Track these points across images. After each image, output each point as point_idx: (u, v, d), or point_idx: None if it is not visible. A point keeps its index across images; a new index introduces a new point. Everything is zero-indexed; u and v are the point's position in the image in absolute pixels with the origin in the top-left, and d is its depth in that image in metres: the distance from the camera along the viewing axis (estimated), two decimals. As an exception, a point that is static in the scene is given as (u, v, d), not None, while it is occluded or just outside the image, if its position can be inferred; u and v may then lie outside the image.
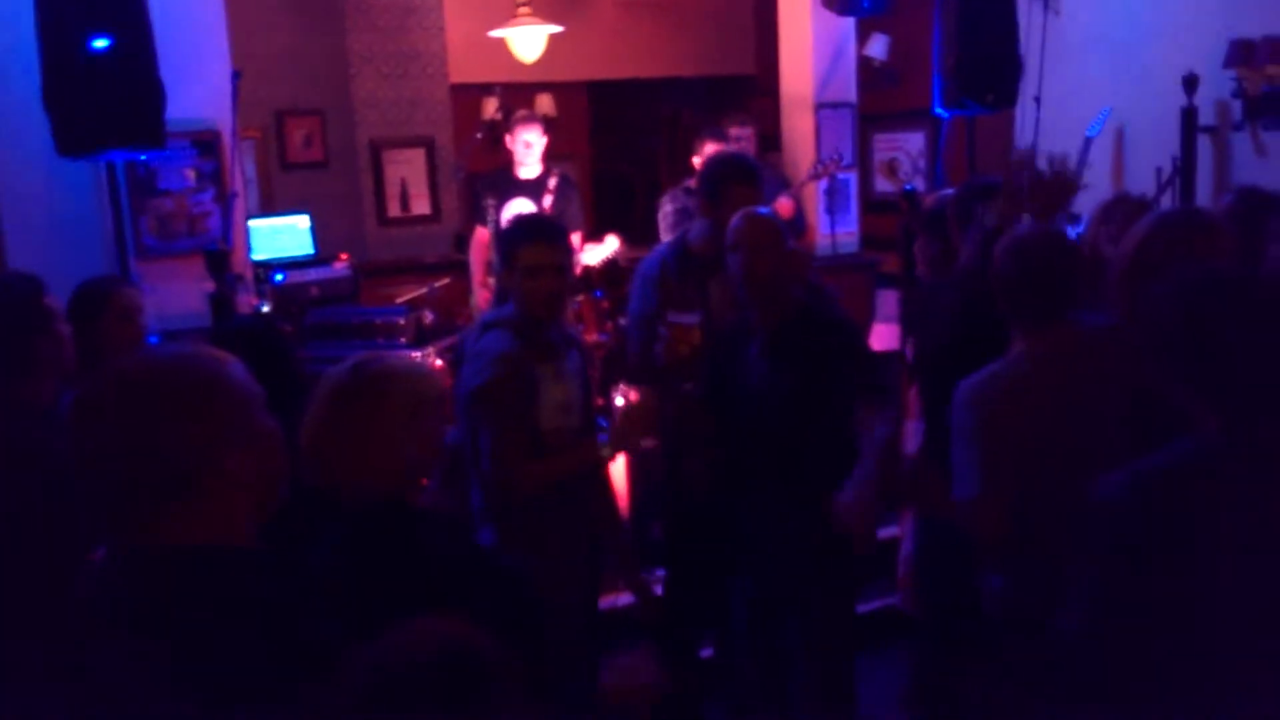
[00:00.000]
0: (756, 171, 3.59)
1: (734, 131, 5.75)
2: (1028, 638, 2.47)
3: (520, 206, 5.46)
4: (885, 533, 4.31)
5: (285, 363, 2.94)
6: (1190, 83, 5.25)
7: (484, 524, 2.95)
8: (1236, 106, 5.39)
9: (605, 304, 5.26)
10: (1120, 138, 6.00)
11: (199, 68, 4.61)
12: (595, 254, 5.51)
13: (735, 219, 3.06)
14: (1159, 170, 5.54)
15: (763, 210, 3.15)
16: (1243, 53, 5.32)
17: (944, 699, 3.08)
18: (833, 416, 2.97)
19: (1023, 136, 6.20)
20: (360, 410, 1.93)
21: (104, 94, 3.85)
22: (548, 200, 5.48)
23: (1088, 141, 5.83)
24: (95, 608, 1.47)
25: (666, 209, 5.33)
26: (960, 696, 2.99)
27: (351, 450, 1.92)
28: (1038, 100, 6.03)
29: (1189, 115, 5.28)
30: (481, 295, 5.45)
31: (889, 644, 3.63)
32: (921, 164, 7.16)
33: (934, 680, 3.15)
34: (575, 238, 5.44)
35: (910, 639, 3.38)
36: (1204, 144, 5.43)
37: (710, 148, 5.39)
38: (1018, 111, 6.04)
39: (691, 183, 5.41)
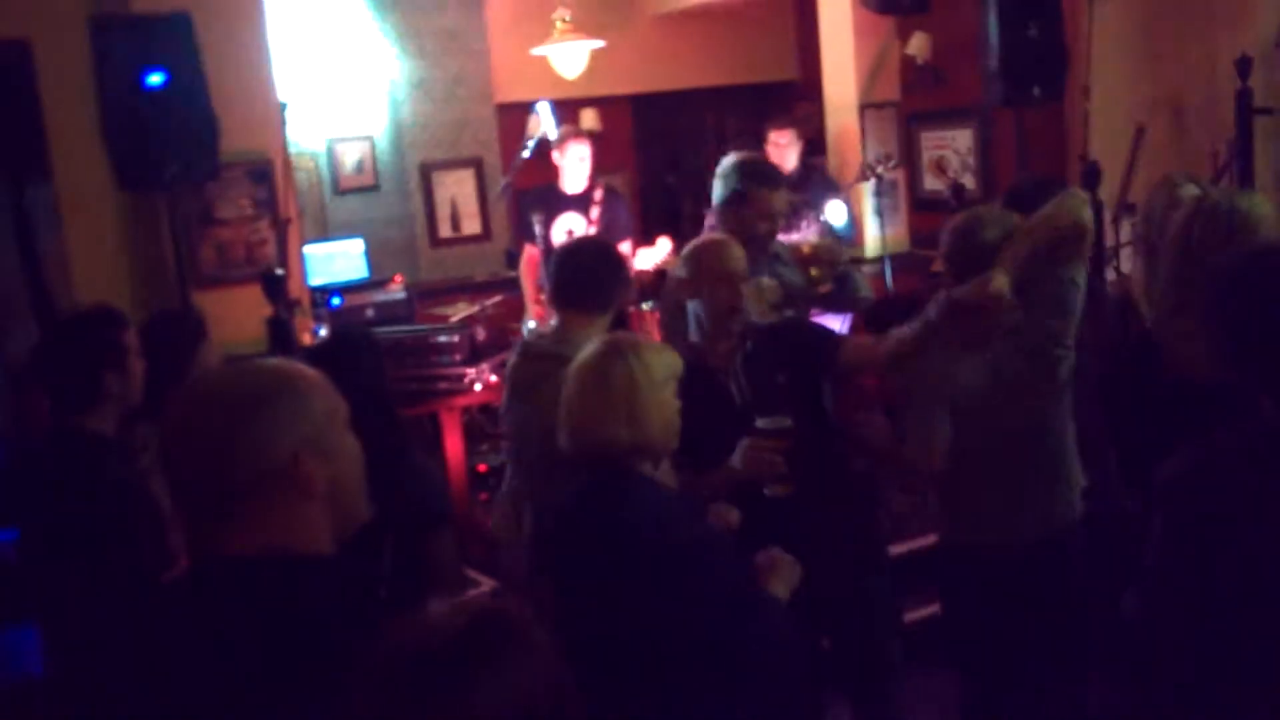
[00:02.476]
0: (779, 176, 3.61)
1: (774, 136, 5.76)
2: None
3: (569, 221, 5.49)
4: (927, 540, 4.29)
5: (380, 379, 2.97)
6: (1245, 64, 5.17)
7: None
8: (1293, 87, 5.30)
9: (658, 314, 5.26)
10: (1174, 122, 5.91)
11: (251, 100, 4.69)
12: (648, 258, 5.51)
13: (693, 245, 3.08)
14: (1215, 154, 5.46)
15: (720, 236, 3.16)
16: (1297, 31, 5.23)
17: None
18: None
19: (1073, 129, 6.14)
20: (615, 378, 2.14)
21: (160, 128, 3.96)
22: (595, 212, 5.50)
23: (1140, 131, 5.76)
24: (162, 619, 1.51)
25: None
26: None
27: (602, 413, 2.14)
28: (1087, 91, 5.97)
29: (1244, 98, 5.19)
30: (536, 312, 5.47)
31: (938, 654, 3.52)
32: (971, 161, 7.10)
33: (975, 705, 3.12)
34: (626, 245, 5.47)
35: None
36: (1260, 126, 5.33)
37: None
38: (1067, 104, 6.00)
39: None
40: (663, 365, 2.21)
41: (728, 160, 3.65)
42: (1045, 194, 3.06)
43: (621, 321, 3.36)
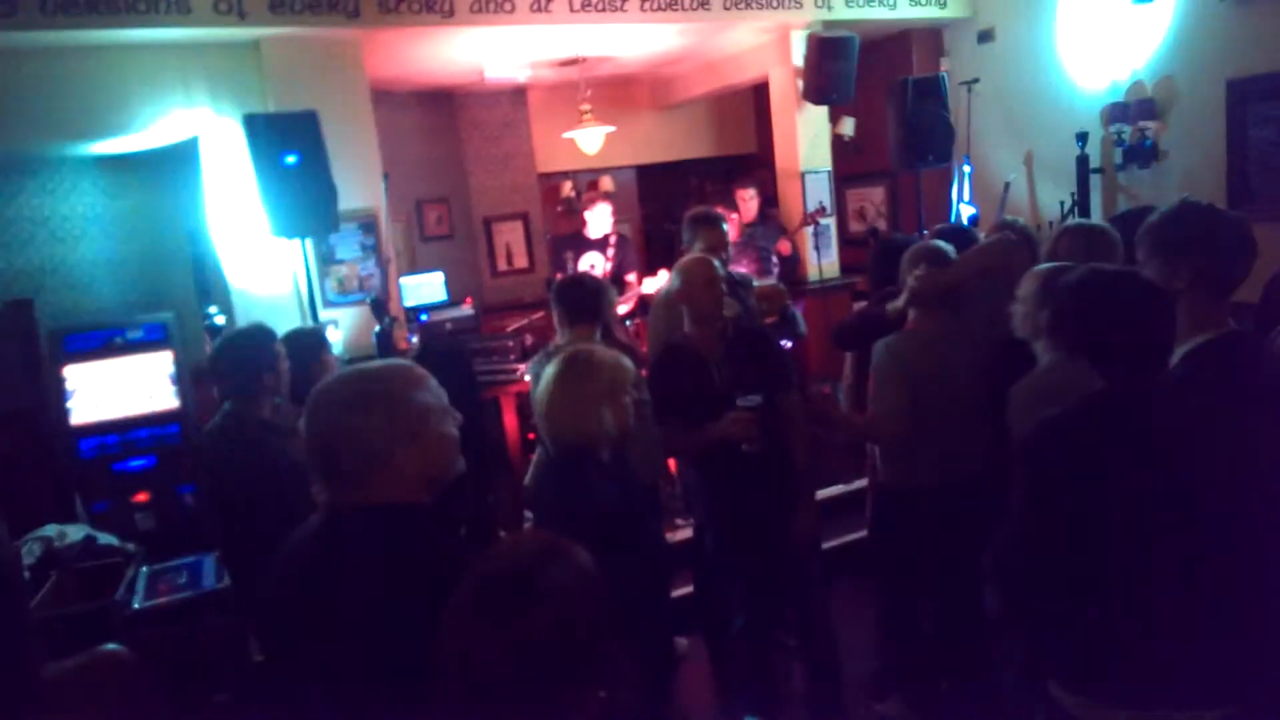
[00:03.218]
0: (718, 217, 3.63)
1: (740, 193, 5.76)
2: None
3: (591, 258, 5.49)
4: (853, 486, 4.28)
5: (465, 372, 2.94)
6: (1082, 137, 5.17)
7: None
8: (1117, 153, 5.29)
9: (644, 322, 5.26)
10: (1032, 180, 5.91)
11: (360, 173, 4.73)
12: (653, 285, 5.52)
13: (681, 262, 2.96)
14: (1062, 202, 5.46)
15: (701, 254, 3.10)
16: (1120, 112, 5.23)
17: (905, 628, 3.02)
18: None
19: (958, 185, 6.13)
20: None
21: (296, 195, 3.98)
22: (610, 252, 5.51)
23: (1006, 185, 5.76)
24: (302, 548, 1.53)
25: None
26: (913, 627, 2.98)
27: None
28: (968, 158, 5.97)
29: (1082, 161, 5.20)
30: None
31: (859, 573, 3.39)
32: (883, 210, 7.10)
33: (896, 613, 3.07)
34: (633, 276, 5.48)
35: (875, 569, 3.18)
36: (1094, 181, 5.34)
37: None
38: (953, 166, 5.99)
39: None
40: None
41: (686, 215, 3.69)
42: (962, 236, 3.09)
43: (607, 331, 3.31)
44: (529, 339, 5.20)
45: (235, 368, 2.63)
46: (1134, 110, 5.13)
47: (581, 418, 1.97)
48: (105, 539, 3.54)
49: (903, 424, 2.74)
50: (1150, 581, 1.64)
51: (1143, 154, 5.13)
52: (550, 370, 2.03)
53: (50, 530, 3.47)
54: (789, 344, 4.52)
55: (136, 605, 3.18)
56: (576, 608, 1.16)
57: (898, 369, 2.77)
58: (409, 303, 5.65)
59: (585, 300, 3.13)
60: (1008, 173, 5.82)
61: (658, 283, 5.50)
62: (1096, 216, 5.20)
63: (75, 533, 3.50)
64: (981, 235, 3.33)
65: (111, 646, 1.76)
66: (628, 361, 2.10)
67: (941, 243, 2.92)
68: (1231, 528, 1.62)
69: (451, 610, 1.16)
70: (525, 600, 1.13)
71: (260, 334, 2.72)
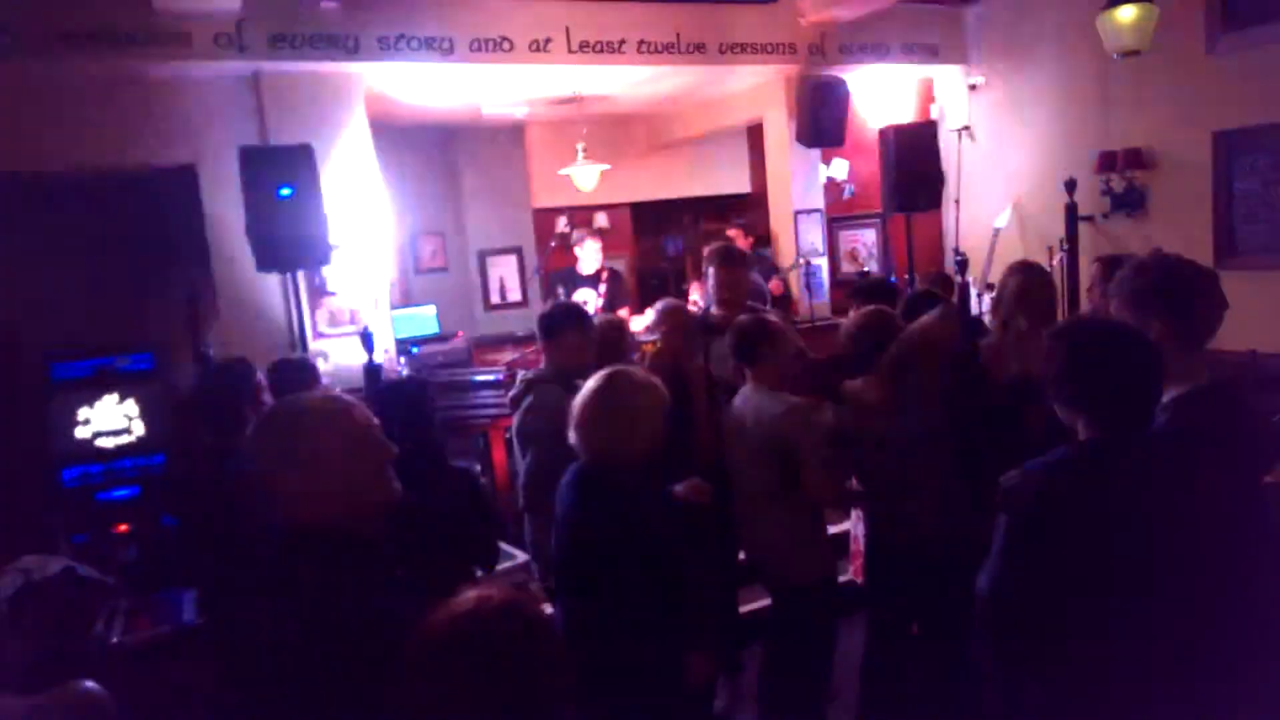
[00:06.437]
0: (740, 255, 3.71)
1: (730, 232, 5.82)
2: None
3: (584, 294, 5.52)
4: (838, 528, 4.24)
5: (425, 411, 2.96)
6: (1070, 185, 5.24)
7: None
8: (1105, 201, 5.36)
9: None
10: (1022, 226, 5.98)
11: (353, 205, 4.75)
12: (641, 322, 5.53)
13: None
14: (1050, 249, 5.52)
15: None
16: (1107, 161, 5.31)
17: (891, 673, 3.01)
18: None
19: (948, 230, 6.21)
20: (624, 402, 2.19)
21: (288, 227, 3.99)
22: (602, 288, 5.53)
23: (996, 231, 5.83)
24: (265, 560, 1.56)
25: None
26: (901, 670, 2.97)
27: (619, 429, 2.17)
28: (957, 203, 6.04)
29: (1071, 209, 5.26)
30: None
31: (849, 613, 3.43)
32: (875, 252, 7.15)
33: (881, 658, 3.05)
34: (624, 312, 5.50)
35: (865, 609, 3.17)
36: (1082, 228, 5.40)
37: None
38: (943, 211, 6.06)
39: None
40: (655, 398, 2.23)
41: (708, 249, 3.75)
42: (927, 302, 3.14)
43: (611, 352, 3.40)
44: (520, 374, 5.18)
45: (217, 401, 2.63)
46: (1122, 159, 5.22)
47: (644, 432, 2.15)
48: (85, 571, 3.49)
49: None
50: (1126, 628, 1.64)
51: (1130, 202, 5.20)
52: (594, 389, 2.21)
53: (29, 561, 3.43)
54: None
55: (114, 639, 3.13)
56: (529, 662, 1.16)
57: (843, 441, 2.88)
58: (401, 335, 5.65)
59: (543, 328, 3.29)
60: (997, 219, 5.89)
61: (645, 320, 5.51)
62: (1084, 264, 5.25)
63: (55, 564, 3.45)
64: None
65: (86, 683, 1.74)
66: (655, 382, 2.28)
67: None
68: (1203, 581, 1.62)
69: (405, 663, 1.17)
70: (478, 655, 1.14)
71: (241, 368, 2.72)
